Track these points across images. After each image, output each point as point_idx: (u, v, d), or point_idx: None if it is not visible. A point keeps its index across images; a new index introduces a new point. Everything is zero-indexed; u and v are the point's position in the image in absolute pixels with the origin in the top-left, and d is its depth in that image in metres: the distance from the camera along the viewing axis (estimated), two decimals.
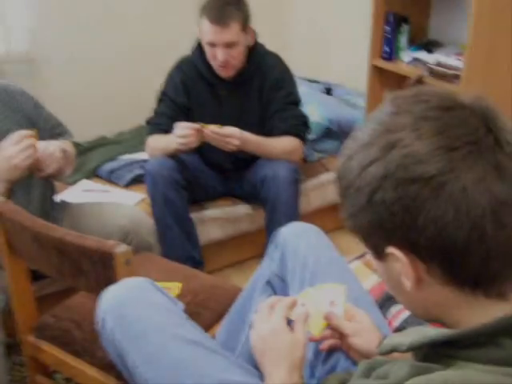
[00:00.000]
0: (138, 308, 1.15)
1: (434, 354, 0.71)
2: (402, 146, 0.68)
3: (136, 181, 2.68)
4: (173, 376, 1.06)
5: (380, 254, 0.74)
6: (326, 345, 1.16)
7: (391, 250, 0.71)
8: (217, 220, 2.57)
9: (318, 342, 1.17)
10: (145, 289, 1.20)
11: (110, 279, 1.24)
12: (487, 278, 0.69)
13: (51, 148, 1.74)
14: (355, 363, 1.13)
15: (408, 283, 0.72)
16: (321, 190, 2.84)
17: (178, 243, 2.34)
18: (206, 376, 1.05)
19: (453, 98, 0.72)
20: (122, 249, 1.24)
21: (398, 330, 1.61)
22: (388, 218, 0.69)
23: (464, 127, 0.68)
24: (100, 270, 1.27)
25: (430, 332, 0.71)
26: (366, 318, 1.13)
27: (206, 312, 1.62)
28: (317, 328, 1.13)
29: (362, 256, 1.98)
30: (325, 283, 1.17)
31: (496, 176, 0.66)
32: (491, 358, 0.66)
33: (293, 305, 1.11)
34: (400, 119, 0.70)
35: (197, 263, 2.39)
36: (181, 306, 1.24)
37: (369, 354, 1.07)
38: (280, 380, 0.99)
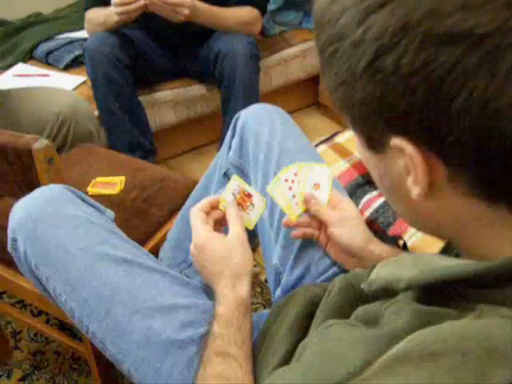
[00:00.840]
0: (53, 225, 0.93)
1: (444, 293, 0.51)
2: None
3: (76, 62, 2.43)
4: (102, 304, 0.87)
5: (376, 145, 0.53)
6: (300, 232, 0.97)
7: (398, 142, 0.48)
8: (169, 103, 2.35)
9: (291, 227, 0.99)
10: (62, 199, 0.97)
11: (31, 182, 1.02)
12: None
13: None
14: (332, 263, 0.97)
15: (416, 190, 0.50)
16: (283, 66, 2.62)
17: (125, 130, 2.13)
18: (143, 301, 0.87)
19: None
20: (40, 144, 1.01)
21: (370, 221, 1.46)
22: (401, 96, 0.46)
23: None
24: (18, 171, 1.04)
25: (439, 263, 0.51)
26: (351, 206, 0.95)
27: (155, 209, 1.43)
28: (294, 211, 0.96)
29: (328, 139, 1.79)
30: (311, 163, 0.98)
31: None
32: None
33: (214, 203, 0.95)
34: None
35: (148, 151, 2.21)
36: (110, 215, 1.04)
37: (350, 249, 0.91)
38: (224, 297, 0.83)
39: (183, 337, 0.84)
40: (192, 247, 0.89)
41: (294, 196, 0.96)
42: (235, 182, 0.96)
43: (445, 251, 0.67)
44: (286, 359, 0.76)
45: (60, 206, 0.95)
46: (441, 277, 0.49)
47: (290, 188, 0.96)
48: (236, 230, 0.90)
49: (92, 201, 1.03)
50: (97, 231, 0.93)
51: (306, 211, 0.96)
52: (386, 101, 0.47)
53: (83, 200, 1.00)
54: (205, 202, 0.94)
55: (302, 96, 2.85)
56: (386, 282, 0.54)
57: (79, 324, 0.90)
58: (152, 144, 2.24)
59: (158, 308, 0.86)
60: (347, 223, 0.92)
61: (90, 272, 0.88)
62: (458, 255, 0.60)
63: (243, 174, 1.13)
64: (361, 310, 0.61)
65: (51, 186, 0.99)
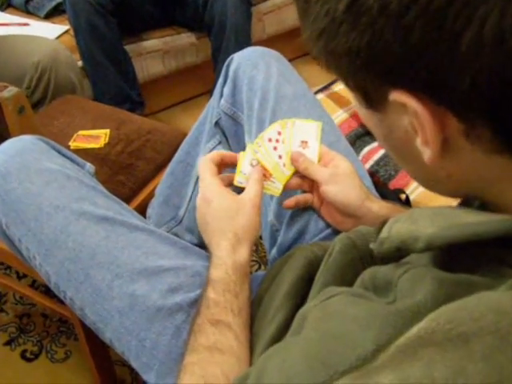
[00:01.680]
0: (24, 180, 0.83)
1: (471, 256, 0.42)
2: None
3: (59, 11, 2.29)
4: (79, 268, 0.79)
5: (374, 102, 0.44)
6: (292, 201, 0.88)
7: (398, 97, 0.40)
8: (156, 53, 2.24)
9: (281, 195, 0.89)
10: (34, 151, 0.87)
11: (1, 135, 0.92)
12: None
13: None
14: (327, 226, 0.88)
15: (427, 152, 0.42)
16: (276, 13, 2.51)
17: (111, 81, 2.04)
18: (125, 264, 0.78)
19: None
20: (9, 92, 0.91)
21: (370, 174, 1.38)
22: (393, 41, 0.37)
23: None
24: None
25: (463, 218, 0.42)
26: (345, 161, 0.85)
27: (142, 163, 1.34)
28: (282, 174, 0.86)
29: (326, 88, 1.69)
30: (295, 119, 0.88)
31: None
32: None
33: (226, 159, 0.85)
34: None
35: (136, 104, 2.13)
36: (90, 169, 0.95)
37: (345, 208, 0.82)
38: (222, 259, 0.74)
39: (171, 303, 0.76)
40: (198, 199, 0.80)
41: (280, 157, 0.86)
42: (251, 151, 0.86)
43: (464, 204, 0.58)
44: (284, 328, 0.69)
45: (32, 159, 0.85)
46: (472, 234, 0.40)
47: (275, 148, 0.86)
48: (253, 192, 0.80)
49: (70, 153, 0.93)
50: (74, 186, 0.84)
51: (296, 172, 0.87)
52: (376, 49, 0.38)
53: (59, 152, 0.91)
54: (216, 155, 0.84)
55: (298, 45, 2.71)
56: (400, 241, 0.45)
57: (56, 289, 0.82)
58: (140, 96, 2.15)
59: (142, 271, 0.77)
60: (340, 179, 0.82)
61: (66, 232, 0.79)
62: (481, 207, 0.51)
63: (236, 123, 1.04)
64: (368, 274, 0.52)
65: (22, 137, 0.89)
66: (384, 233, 0.48)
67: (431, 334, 0.35)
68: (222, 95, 1.06)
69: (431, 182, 0.49)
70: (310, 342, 0.44)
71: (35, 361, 1.45)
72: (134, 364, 0.77)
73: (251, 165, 0.85)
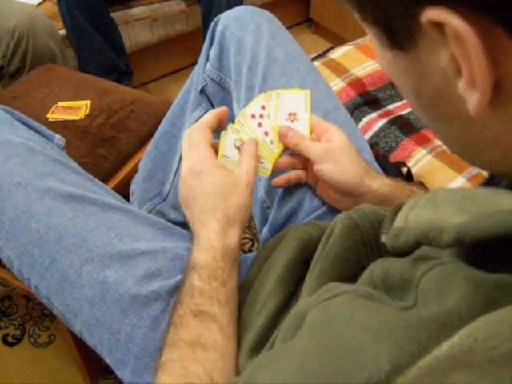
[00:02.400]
0: None
1: (507, 251, 0.32)
2: None
3: None
4: (44, 252, 0.70)
5: (401, 37, 0.34)
6: (283, 178, 0.79)
7: (435, 15, 0.29)
8: (145, 20, 2.13)
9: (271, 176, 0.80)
10: None
11: None
12: None
13: None
14: (323, 203, 0.80)
15: (473, 96, 0.32)
16: None
17: (96, 50, 1.94)
18: (95, 247, 0.69)
19: None
20: None
21: (369, 147, 1.29)
22: None
23: None
24: None
25: (506, 203, 0.32)
26: (339, 133, 0.75)
27: (125, 136, 1.25)
28: (271, 152, 0.77)
29: (322, 55, 1.59)
30: (279, 90, 0.79)
31: None
32: None
33: (220, 116, 0.75)
34: None
35: (123, 74, 2.03)
36: (59, 141, 0.85)
37: (342, 187, 0.73)
38: (209, 242, 0.65)
39: (147, 291, 0.67)
40: (185, 169, 0.70)
41: (266, 134, 0.76)
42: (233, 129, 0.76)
43: (488, 184, 0.48)
44: (275, 318, 0.60)
45: None
46: None
47: (260, 125, 0.76)
48: (248, 167, 0.71)
49: (37, 124, 0.84)
50: (39, 161, 0.75)
51: (286, 149, 0.77)
52: None
53: (25, 124, 0.81)
54: (211, 117, 0.73)
55: (292, 12, 2.64)
56: (420, 233, 0.35)
57: (20, 276, 0.73)
58: (128, 65, 2.06)
59: (114, 255, 0.69)
60: (335, 155, 0.73)
61: (29, 212, 0.70)
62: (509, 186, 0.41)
63: (223, 90, 0.94)
64: (378, 269, 0.43)
65: None
66: (399, 222, 0.39)
67: (467, 352, 0.26)
68: (207, 59, 0.97)
69: (471, 149, 0.39)
70: (308, 355, 0.35)
71: (17, 345, 1.37)
72: (107, 359, 0.69)
73: (235, 146, 0.75)
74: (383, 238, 0.40)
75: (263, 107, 0.77)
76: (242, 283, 0.69)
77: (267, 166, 0.76)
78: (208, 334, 0.59)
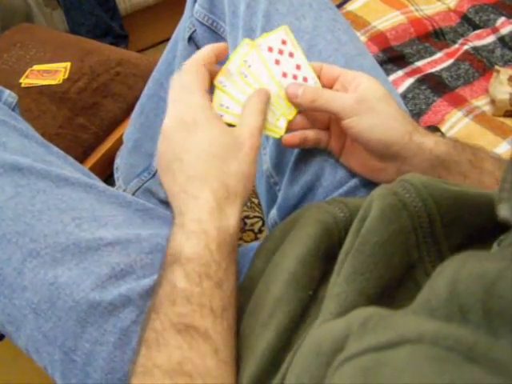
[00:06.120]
0: None
1: None
2: None
3: None
4: (8, 239, 0.52)
5: None
6: (296, 135, 0.58)
7: None
8: None
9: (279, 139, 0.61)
10: None
11: None
12: None
13: None
14: (351, 175, 0.61)
15: None
16: None
17: (88, 11, 1.78)
18: (43, 236, 0.51)
19: None
20: None
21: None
22: None
23: None
24: None
25: None
26: (373, 82, 0.56)
27: (109, 101, 1.08)
28: (279, 124, 0.57)
29: (339, 7, 1.40)
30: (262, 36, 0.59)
31: None
32: None
33: (219, 52, 0.56)
34: None
35: (118, 38, 1.87)
36: (8, 97, 0.66)
37: (384, 147, 0.54)
38: (201, 223, 0.46)
39: (113, 295, 0.50)
40: (170, 120, 0.51)
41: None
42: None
43: None
44: (286, 335, 0.43)
45: None
46: None
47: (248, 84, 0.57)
48: (253, 123, 0.52)
49: None
50: None
51: (299, 112, 0.58)
52: None
53: None
54: (207, 53, 0.55)
55: None
56: None
57: None
58: (122, 28, 1.90)
59: (70, 247, 0.51)
60: (373, 106, 0.54)
61: None
62: None
63: (216, 36, 0.76)
64: (464, 276, 0.25)
65: None
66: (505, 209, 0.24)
67: None
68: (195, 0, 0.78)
69: None
70: None
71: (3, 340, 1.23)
72: None
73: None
74: (502, 212, 0.22)
75: (249, 66, 0.57)
76: (241, 284, 0.51)
77: (281, 124, 0.58)
78: (196, 357, 0.41)
